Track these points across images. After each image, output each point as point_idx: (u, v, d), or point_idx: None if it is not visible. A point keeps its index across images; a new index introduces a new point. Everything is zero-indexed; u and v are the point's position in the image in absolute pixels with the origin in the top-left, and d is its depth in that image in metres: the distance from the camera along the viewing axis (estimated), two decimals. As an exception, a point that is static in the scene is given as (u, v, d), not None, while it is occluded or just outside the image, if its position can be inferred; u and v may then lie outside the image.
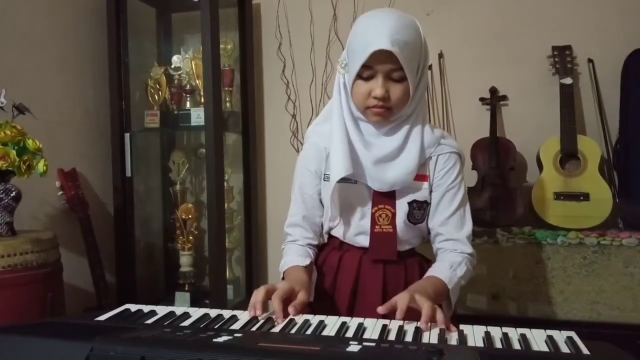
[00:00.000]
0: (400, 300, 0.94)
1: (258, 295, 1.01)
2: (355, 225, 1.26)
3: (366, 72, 1.14)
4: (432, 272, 1.20)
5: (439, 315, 0.94)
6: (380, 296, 1.22)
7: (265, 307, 1.01)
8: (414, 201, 1.23)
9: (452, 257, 1.22)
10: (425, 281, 1.17)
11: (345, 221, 1.28)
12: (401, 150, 1.21)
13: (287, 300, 1.03)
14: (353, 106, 1.21)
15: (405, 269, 1.27)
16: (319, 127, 1.29)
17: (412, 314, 0.96)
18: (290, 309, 0.99)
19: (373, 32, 1.10)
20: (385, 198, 1.23)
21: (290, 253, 1.28)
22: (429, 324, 0.93)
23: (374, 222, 1.23)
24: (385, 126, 1.22)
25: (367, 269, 1.27)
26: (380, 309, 0.98)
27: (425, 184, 1.24)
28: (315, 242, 1.33)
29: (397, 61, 1.10)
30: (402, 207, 1.23)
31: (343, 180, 1.23)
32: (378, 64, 1.12)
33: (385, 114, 1.17)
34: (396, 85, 1.14)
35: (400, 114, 1.20)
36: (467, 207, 1.26)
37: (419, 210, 1.24)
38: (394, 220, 1.23)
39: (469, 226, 1.25)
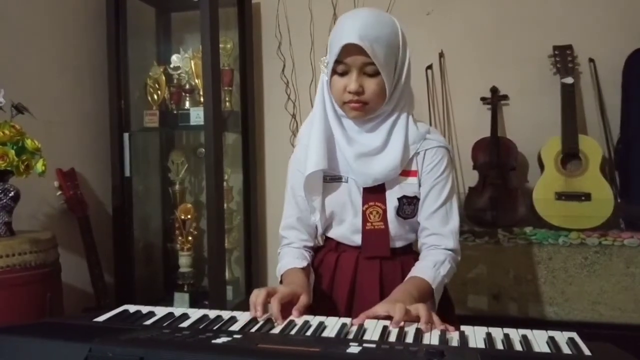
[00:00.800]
0: (397, 315, 0.94)
1: (259, 296, 1.01)
2: (350, 223, 1.26)
3: (340, 67, 1.16)
4: (415, 272, 1.19)
5: (436, 318, 0.95)
6: (378, 294, 1.22)
7: (265, 308, 1.01)
8: (404, 197, 1.23)
9: (435, 256, 1.22)
10: (409, 284, 1.16)
11: (340, 220, 1.28)
12: (384, 147, 1.21)
13: (288, 304, 1.02)
14: (335, 103, 1.23)
15: (401, 265, 1.26)
16: (308, 129, 1.30)
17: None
18: (295, 313, 0.99)
19: (345, 28, 1.13)
20: (375, 195, 1.23)
21: (287, 256, 1.28)
22: (430, 324, 0.93)
23: (365, 220, 1.24)
24: (367, 123, 1.23)
25: (364, 268, 1.26)
26: (356, 322, 0.96)
27: (414, 179, 1.24)
28: (311, 244, 1.33)
29: (368, 55, 1.12)
30: (392, 203, 1.23)
31: (333, 179, 1.24)
32: (350, 58, 1.14)
33: (362, 109, 1.18)
34: (370, 80, 1.16)
35: (379, 110, 1.21)
36: (454, 202, 1.26)
37: (409, 206, 1.24)
38: (385, 217, 1.23)
39: (454, 221, 1.25)
